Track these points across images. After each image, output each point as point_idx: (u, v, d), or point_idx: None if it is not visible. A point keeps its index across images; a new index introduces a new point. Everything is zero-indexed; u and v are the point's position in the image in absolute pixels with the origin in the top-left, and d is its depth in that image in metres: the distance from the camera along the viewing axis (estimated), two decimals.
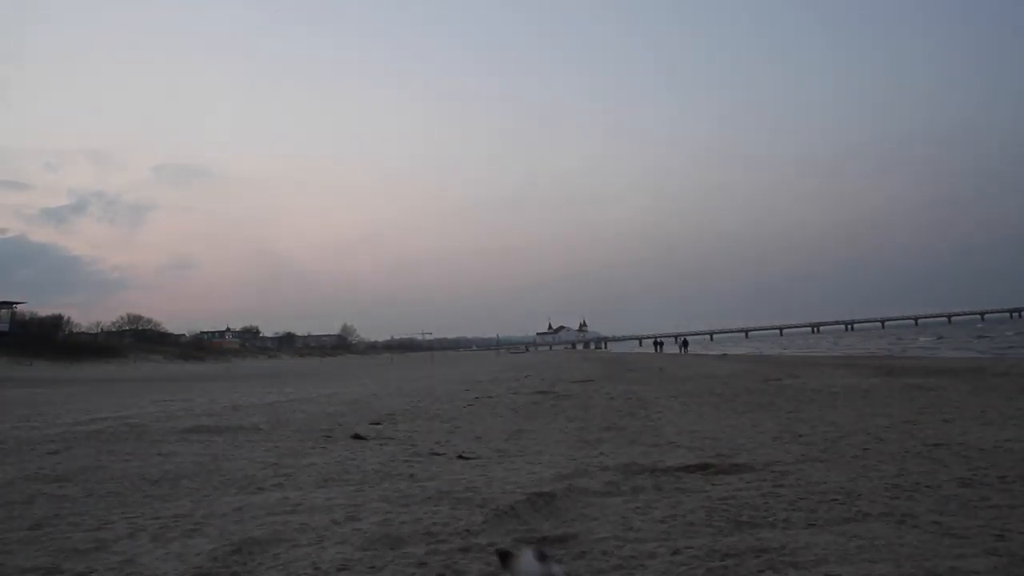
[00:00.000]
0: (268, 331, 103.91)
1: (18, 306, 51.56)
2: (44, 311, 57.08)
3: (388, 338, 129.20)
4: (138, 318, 72.27)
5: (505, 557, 1.73)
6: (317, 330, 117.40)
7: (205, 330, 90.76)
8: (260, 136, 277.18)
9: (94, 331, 64.34)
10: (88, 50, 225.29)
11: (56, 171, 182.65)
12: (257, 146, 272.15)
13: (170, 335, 73.92)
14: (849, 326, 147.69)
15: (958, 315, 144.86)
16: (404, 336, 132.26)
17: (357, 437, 5.36)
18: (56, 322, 56.38)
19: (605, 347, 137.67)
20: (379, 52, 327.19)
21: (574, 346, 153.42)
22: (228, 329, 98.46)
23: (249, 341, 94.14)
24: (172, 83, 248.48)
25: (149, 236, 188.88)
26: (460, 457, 4.34)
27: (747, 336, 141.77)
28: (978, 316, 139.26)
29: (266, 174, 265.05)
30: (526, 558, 1.69)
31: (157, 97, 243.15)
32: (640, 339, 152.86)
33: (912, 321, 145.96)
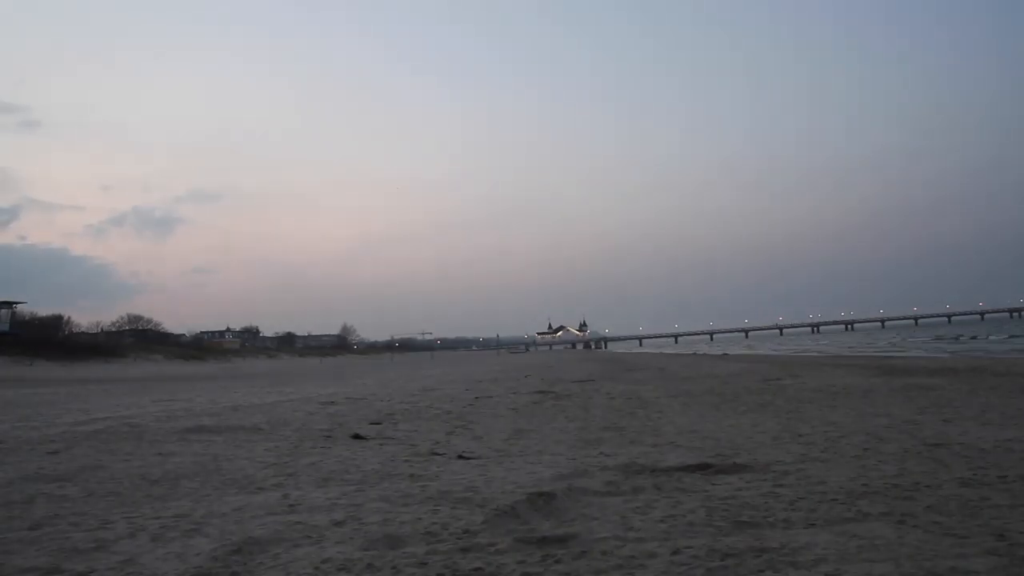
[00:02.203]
0: (268, 331, 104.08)
1: (18, 306, 51.53)
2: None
3: (388, 338, 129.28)
4: (138, 318, 72.27)
5: None
6: (317, 330, 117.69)
7: (205, 330, 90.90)
8: (276, 152, 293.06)
9: (94, 331, 64.30)
10: (145, 93, 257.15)
11: (109, 192, 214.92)
12: (273, 162, 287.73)
13: (170, 335, 73.93)
14: (849, 326, 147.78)
15: (958, 315, 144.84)
16: (404, 336, 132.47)
17: (357, 437, 5.35)
18: (56, 322, 56.33)
19: (605, 347, 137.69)
20: (380, 66, 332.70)
21: (574, 346, 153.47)
22: (228, 329, 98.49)
23: (249, 341, 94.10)
24: (205, 110, 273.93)
25: (172, 247, 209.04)
26: (460, 457, 4.33)
27: (747, 336, 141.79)
28: (978, 316, 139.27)
29: (279, 186, 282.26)
30: None
31: (194, 127, 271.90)
32: (640, 339, 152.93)
33: (912, 321, 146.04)
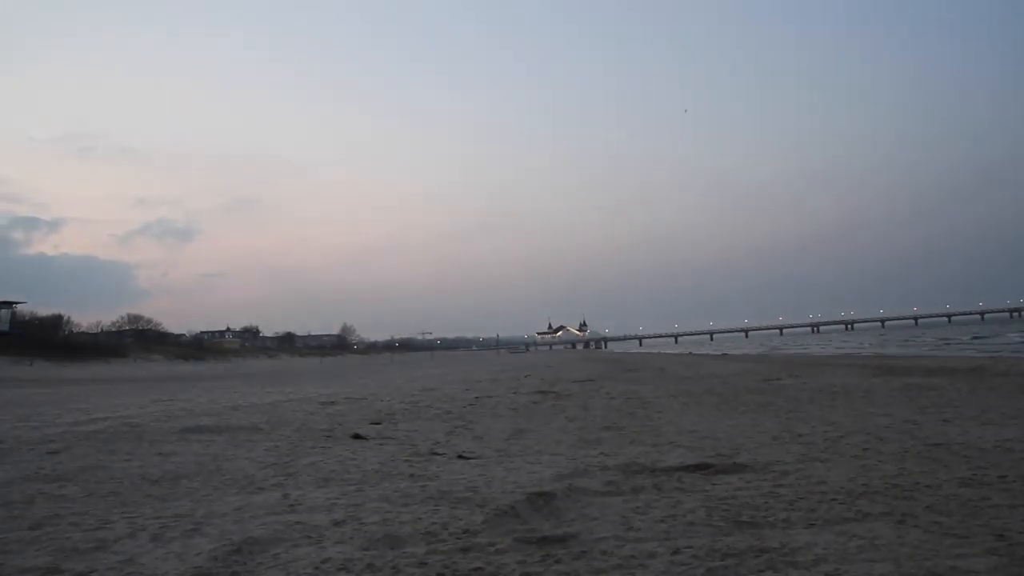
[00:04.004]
0: (268, 331, 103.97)
1: (18, 306, 51.49)
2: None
3: (388, 338, 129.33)
4: (138, 318, 72.16)
5: None
6: (317, 330, 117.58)
7: (205, 330, 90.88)
8: (285, 164, 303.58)
9: (94, 331, 64.24)
10: (173, 117, 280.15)
11: (141, 207, 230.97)
12: (282, 174, 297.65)
13: (170, 335, 73.80)
14: (849, 326, 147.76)
15: (958, 315, 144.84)
16: (404, 336, 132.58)
17: (357, 437, 5.35)
18: (56, 322, 56.30)
19: (605, 347, 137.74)
20: (380, 74, 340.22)
21: (574, 346, 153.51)
22: (228, 329, 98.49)
23: (249, 341, 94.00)
24: (223, 130, 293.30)
25: (189, 254, 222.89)
26: (460, 457, 4.33)
27: (747, 336, 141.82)
28: (978, 316, 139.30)
29: (287, 195, 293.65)
30: None
31: (214, 145, 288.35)
32: (640, 339, 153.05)
33: (912, 321, 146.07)
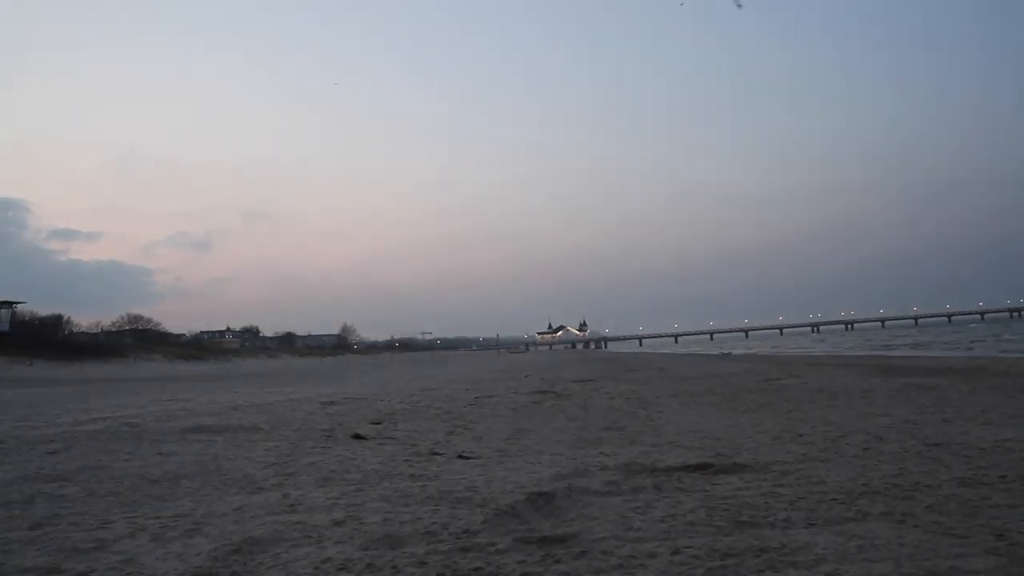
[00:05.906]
0: (268, 331, 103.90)
1: (18, 306, 51.47)
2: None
3: (388, 338, 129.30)
4: (138, 318, 72.16)
5: None
6: (317, 330, 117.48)
7: (205, 330, 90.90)
8: (294, 172, 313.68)
9: (94, 331, 64.23)
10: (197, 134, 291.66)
11: (169, 219, 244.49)
12: (290, 181, 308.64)
13: (170, 335, 73.76)
14: (849, 326, 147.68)
15: (958, 315, 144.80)
16: (404, 336, 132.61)
17: (357, 437, 5.35)
18: (56, 322, 56.31)
19: (605, 347, 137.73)
20: (381, 87, 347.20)
21: (574, 346, 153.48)
22: (228, 329, 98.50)
23: (249, 341, 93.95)
24: (236, 142, 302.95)
25: (204, 260, 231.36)
26: (460, 457, 4.33)
27: (747, 336, 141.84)
28: (978, 316, 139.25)
29: (292, 201, 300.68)
30: None
31: (229, 157, 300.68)
32: (640, 339, 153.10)
33: (912, 321, 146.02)
